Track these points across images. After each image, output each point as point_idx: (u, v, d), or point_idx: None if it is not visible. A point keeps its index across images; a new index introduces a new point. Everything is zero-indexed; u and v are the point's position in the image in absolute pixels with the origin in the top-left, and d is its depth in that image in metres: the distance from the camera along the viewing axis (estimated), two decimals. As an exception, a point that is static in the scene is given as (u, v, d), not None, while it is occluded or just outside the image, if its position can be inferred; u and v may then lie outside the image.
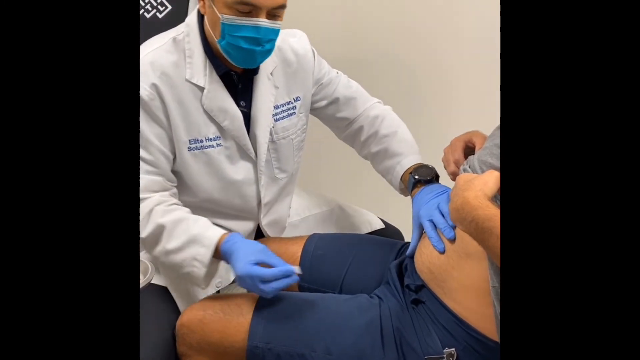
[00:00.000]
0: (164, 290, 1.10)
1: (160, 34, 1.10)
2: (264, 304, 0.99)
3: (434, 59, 1.76)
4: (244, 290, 1.23)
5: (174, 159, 1.08)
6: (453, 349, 0.90)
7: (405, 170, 1.16)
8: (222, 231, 1.02)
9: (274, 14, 0.98)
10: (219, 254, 1.01)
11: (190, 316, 1.00)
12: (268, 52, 1.03)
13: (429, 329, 0.92)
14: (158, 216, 1.01)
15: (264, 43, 1.00)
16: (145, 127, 1.02)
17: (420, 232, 1.02)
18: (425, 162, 1.17)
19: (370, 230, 1.34)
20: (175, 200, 1.06)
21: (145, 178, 1.03)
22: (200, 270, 1.00)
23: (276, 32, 1.01)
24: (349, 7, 1.70)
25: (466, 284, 0.89)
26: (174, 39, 1.05)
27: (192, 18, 1.07)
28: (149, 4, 1.54)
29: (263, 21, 0.97)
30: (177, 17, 1.54)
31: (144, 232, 1.01)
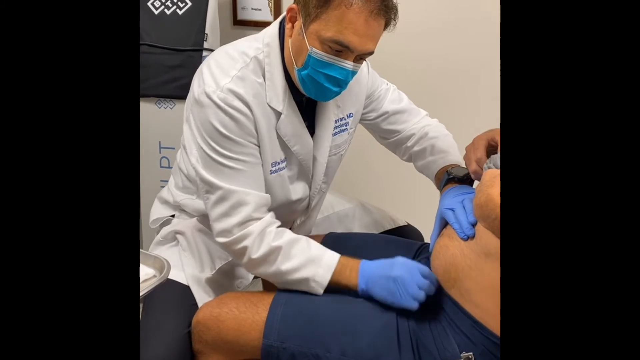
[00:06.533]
0: (184, 288, 1.10)
1: (235, 44, 1.06)
2: (280, 303, 0.98)
3: (448, 54, 1.74)
4: (261, 288, 1.23)
5: None
6: (471, 353, 0.88)
7: (442, 167, 1.17)
8: (338, 255, 1.02)
9: (361, 57, 0.97)
10: (345, 276, 1.00)
11: (206, 313, 1.00)
12: (340, 92, 1.01)
13: (446, 333, 0.91)
14: (271, 238, 1.00)
15: (343, 84, 0.98)
16: (248, 143, 1.01)
17: (442, 226, 1.01)
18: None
19: (393, 227, 1.34)
20: (278, 222, 1.05)
21: (256, 195, 1.01)
22: (317, 290, 1.00)
23: (355, 74, 0.99)
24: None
25: (485, 285, 0.87)
26: (257, 59, 1.02)
27: (272, 38, 1.03)
28: (169, 1, 1.54)
29: (349, 64, 0.95)
30: (196, 13, 1.55)
31: (257, 253, 1.00)
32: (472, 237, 0.91)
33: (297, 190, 1.13)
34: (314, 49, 0.94)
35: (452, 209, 0.98)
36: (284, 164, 1.08)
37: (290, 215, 1.18)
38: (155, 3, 1.55)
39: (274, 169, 1.07)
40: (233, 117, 0.98)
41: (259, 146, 1.03)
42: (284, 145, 1.07)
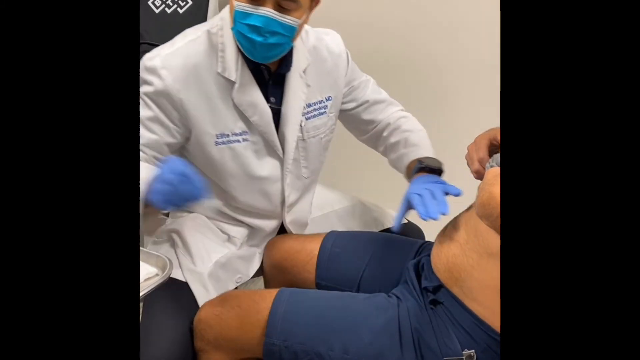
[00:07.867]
0: (184, 286, 1.10)
1: (197, 25, 1.10)
2: (282, 301, 0.98)
3: (449, 53, 1.74)
4: (262, 286, 1.23)
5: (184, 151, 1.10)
6: (472, 350, 0.88)
7: (414, 158, 1.17)
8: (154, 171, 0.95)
9: (282, 5, 0.96)
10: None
11: (208, 312, 1.00)
12: (273, 47, 0.99)
13: (448, 330, 0.91)
14: None
15: (266, 34, 0.96)
16: (164, 117, 1.03)
17: (406, 207, 1.02)
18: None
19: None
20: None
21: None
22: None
23: (282, 25, 0.96)
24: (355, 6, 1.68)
25: (488, 284, 0.88)
26: (208, 32, 1.05)
27: (225, 11, 1.06)
28: (169, 0, 1.54)
29: (267, 11, 0.95)
30: (197, 12, 1.54)
31: None
32: (435, 219, 0.92)
33: (264, 167, 1.12)
34: (237, 3, 0.96)
35: (419, 194, 0.98)
36: (241, 137, 1.09)
37: (266, 197, 1.16)
38: (155, 2, 1.54)
39: (220, 140, 1.07)
40: (152, 84, 1.01)
41: (177, 125, 1.04)
42: (243, 117, 1.07)
